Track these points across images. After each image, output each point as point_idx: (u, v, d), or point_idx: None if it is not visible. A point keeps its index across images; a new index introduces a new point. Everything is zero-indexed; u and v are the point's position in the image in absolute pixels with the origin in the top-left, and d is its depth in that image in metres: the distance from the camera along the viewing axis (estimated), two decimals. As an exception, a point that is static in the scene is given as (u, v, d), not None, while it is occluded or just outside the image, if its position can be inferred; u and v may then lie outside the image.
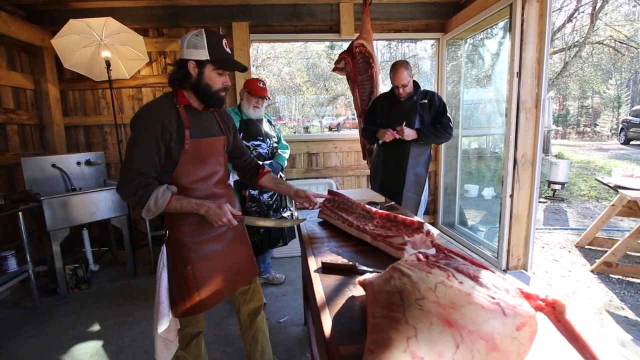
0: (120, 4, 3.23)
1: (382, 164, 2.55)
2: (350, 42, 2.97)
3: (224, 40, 1.27)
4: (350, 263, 1.04)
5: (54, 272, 2.74)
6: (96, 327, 2.30)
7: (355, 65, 2.96)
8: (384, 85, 3.48)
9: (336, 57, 3.14)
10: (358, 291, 0.91)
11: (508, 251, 2.73)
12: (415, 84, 2.48)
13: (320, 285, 0.94)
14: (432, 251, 0.92)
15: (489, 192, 4.25)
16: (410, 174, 2.42)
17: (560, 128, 18.16)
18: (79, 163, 3.08)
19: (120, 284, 2.95)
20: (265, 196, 2.45)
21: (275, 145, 2.53)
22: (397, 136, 2.30)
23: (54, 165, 2.88)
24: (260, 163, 1.61)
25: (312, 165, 3.80)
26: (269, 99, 2.45)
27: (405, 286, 0.66)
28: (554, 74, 11.21)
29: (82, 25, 2.85)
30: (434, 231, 1.16)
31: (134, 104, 3.57)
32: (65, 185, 2.93)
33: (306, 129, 8.20)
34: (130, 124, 1.23)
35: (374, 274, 0.85)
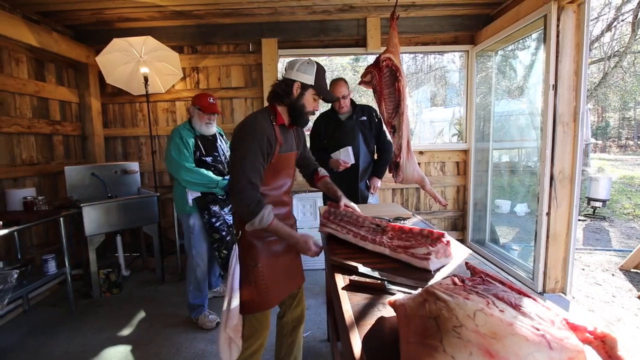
0: (159, 24, 3.44)
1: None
2: (376, 55, 2.98)
3: (326, 73, 1.45)
4: (379, 282, 1.01)
5: (88, 276, 2.87)
6: (126, 332, 2.37)
7: (382, 79, 2.95)
8: (410, 98, 3.45)
9: (361, 70, 3.16)
10: (388, 312, 0.88)
11: (545, 273, 2.57)
12: (352, 102, 2.54)
13: (348, 304, 0.92)
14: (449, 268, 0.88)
15: (522, 209, 4.06)
16: (363, 189, 2.52)
17: (599, 141, 17.14)
18: (116, 172, 3.25)
19: (149, 289, 3.04)
20: (217, 209, 2.38)
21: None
22: (349, 165, 2.37)
23: (93, 174, 3.05)
24: (317, 169, 1.74)
25: (336, 178, 3.80)
26: (221, 114, 2.46)
27: (442, 312, 0.63)
28: (592, 85, 10.68)
29: (124, 43, 3.05)
30: (454, 243, 1.20)
31: (167, 116, 3.75)
32: (103, 192, 3.10)
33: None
34: (236, 135, 1.35)
35: (405, 295, 0.82)
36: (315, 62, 1.41)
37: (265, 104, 3.57)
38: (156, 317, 2.56)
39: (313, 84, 1.38)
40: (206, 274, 2.43)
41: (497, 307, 0.64)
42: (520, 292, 0.72)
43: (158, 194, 3.18)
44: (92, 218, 2.74)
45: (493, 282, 0.78)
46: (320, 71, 1.40)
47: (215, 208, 2.35)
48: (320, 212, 1.92)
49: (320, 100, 1.47)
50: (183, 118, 3.72)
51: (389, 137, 2.47)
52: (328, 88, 1.48)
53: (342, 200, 1.60)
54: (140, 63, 3.19)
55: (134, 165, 3.42)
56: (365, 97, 7.56)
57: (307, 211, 3.71)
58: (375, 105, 2.56)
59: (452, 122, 4.53)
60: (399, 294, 0.93)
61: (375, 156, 2.64)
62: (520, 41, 3.45)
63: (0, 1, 2.65)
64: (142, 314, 2.60)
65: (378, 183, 2.55)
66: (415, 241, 1.22)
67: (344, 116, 2.50)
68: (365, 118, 2.48)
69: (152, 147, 3.37)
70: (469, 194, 3.72)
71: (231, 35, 3.55)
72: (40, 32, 2.91)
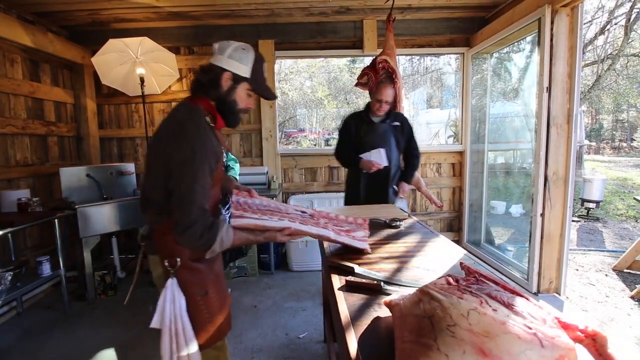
0: (155, 25, 3.43)
1: (364, 187, 2.49)
2: (373, 57, 2.99)
3: (265, 65, 1.20)
4: (375, 282, 1.02)
5: (83, 278, 2.85)
6: (121, 334, 2.35)
7: (378, 81, 2.97)
8: (406, 99, 3.47)
9: (358, 71, 3.17)
10: (383, 312, 0.89)
11: (539, 273, 2.59)
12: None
13: (344, 305, 0.92)
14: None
15: (517, 210, 4.09)
16: (391, 194, 2.48)
17: (593, 143, 17.32)
18: (111, 173, 3.23)
19: (145, 291, 3.02)
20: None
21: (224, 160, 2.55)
22: (381, 167, 2.30)
23: (88, 175, 3.03)
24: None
25: (333, 179, 3.80)
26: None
27: (436, 311, 0.64)
28: (585, 87, 10.80)
29: (120, 44, 3.03)
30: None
31: (164, 117, 3.73)
32: (98, 194, 3.08)
33: (327, 141, 8.26)
34: (176, 150, 1.04)
35: (400, 295, 0.83)
36: (253, 48, 1.17)
37: (263, 106, 3.62)
38: (151, 319, 2.54)
39: (249, 77, 1.14)
40: None
41: (490, 306, 0.65)
42: (513, 292, 0.73)
43: (154, 195, 3.16)
44: (87, 220, 2.72)
45: (487, 281, 0.79)
46: (259, 61, 1.16)
47: None
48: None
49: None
50: (179, 119, 3.71)
51: (418, 144, 2.51)
52: (266, 82, 1.20)
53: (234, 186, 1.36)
54: (136, 64, 3.18)
55: (130, 167, 3.40)
56: (362, 98, 7.60)
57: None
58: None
59: (448, 123, 4.57)
60: (395, 294, 0.94)
61: (402, 162, 2.59)
62: (515, 44, 3.49)
63: (-5, 1, 2.64)
64: (138, 317, 2.58)
65: (407, 187, 2.49)
66: (347, 225, 1.40)
67: (378, 119, 2.41)
68: (398, 124, 2.43)
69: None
70: (464, 195, 3.75)
71: (228, 37, 3.53)
72: (36, 32, 2.89)
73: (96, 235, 2.80)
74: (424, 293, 0.71)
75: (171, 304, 1.09)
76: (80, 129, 3.57)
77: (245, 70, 1.13)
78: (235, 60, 1.12)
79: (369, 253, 1.29)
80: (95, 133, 3.66)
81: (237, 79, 1.13)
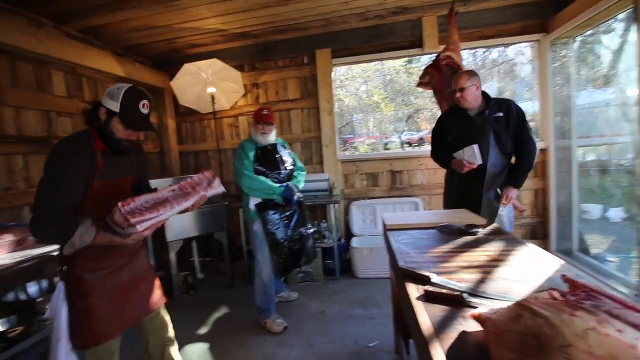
0: (222, 47, 3.73)
1: (456, 190, 2.33)
2: (432, 56, 2.86)
3: (144, 101, 1.34)
4: (457, 293, 0.94)
5: (170, 278, 3.16)
6: (202, 331, 2.56)
7: (442, 78, 2.83)
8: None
9: (415, 71, 3.06)
10: (469, 326, 0.82)
11: (652, 287, 2.18)
12: (485, 96, 2.20)
13: (426, 316, 0.87)
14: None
15: (616, 214, 3.50)
16: (485, 199, 2.17)
17: None
18: (189, 184, 3.56)
19: (221, 292, 3.25)
20: (277, 216, 2.48)
21: (291, 168, 2.59)
22: (474, 166, 2.08)
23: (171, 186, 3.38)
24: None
25: (395, 184, 3.69)
26: (272, 122, 2.52)
27: (543, 329, 0.56)
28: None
29: (193, 67, 3.36)
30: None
31: (232, 131, 4.02)
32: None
33: (385, 145, 8.10)
34: (50, 156, 1.26)
35: (490, 309, 0.76)
36: (129, 87, 1.32)
37: (322, 114, 3.69)
38: (228, 318, 2.72)
39: (118, 111, 1.29)
40: (272, 277, 2.51)
41: (612, 325, 0.55)
42: (638, 310, 0.62)
43: (227, 202, 3.41)
44: (173, 225, 3.03)
45: (600, 297, 0.68)
46: (130, 98, 1.30)
47: (274, 214, 2.47)
48: (382, 219, 1.88)
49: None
50: (245, 131, 3.97)
51: (533, 137, 2.12)
52: (138, 114, 1.33)
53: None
54: (207, 83, 3.48)
55: (204, 177, 3.71)
56: (422, 98, 7.29)
57: (367, 218, 3.66)
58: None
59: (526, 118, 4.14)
60: (482, 307, 0.86)
61: (513, 160, 2.24)
62: (604, 24, 3.04)
63: (95, 40, 3.11)
64: (215, 315, 2.78)
65: (513, 193, 2.14)
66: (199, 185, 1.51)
67: (474, 112, 2.17)
68: (501, 114, 2.10)
69: (220, 160, 3.64)
70: (549, 198, 3.34)
71: (286, 50, 3.71)
72: (126, 63, 3.35)
73: (180, 240, 3.11)
74: (524, 308, 0.63)
75: (55, 303, 1.31)
76: (163, 145, 4.02)
77: (115, 106, 1.30)
78: (109, 97, 1.31)
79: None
80: (175, 148, 4.09)
81: (110, 112, 1.31)
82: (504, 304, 0.85)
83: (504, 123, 2.10)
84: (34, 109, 2.66)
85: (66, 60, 2.75)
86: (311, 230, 2.69)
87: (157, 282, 1.63)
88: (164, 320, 1.61)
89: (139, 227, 1.25)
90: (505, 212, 2.20)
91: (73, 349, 1.31)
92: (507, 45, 3.64)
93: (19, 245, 2.13)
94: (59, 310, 1.30)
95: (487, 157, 2.08)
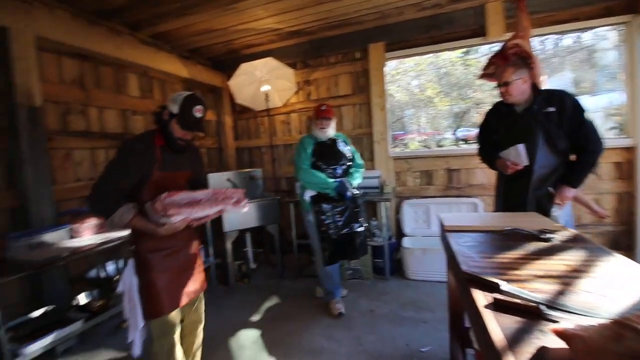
0: (276, 45, 3.82)
1: (503, 191, 2.16)
2: (496, 45, 2.64)
3: (198, 107, 1.51)
4: (533, 304, 0.86)
5: (226, 266, 3.36)
6: (255, 318, 2.67)
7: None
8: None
9: (474, 63, 2.85)
10: (548, 341, 0.74)
11: None
12: (535, 89, 1.98)
13: (497, 326, 0.81)
14: None
15: None
16: (530, 198, 1.98)
17: None
18: (245, 178, 3.73)
19: (272, 282, 3.37)
20: (330, 209, 2.57)
21: (349, 164, 2.64)
22: (520, 167, 1.92)
23: (228, 180, 3.57)
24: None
25: (452, 183, 3.50)
26: (331, 118, 2.58)
27: (654, 355, 0.49)
28: None
29: (249, 67, 3.49)
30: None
31: (284, 127, 4.12)
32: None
33: (438, 142, 7.72)
34: (118, 148, 1.50)
35: (579, 326, 0.68)
36: (189, 94, 1.52)
37: (374, 109, 3.62)
38: (279, 308, 2.82)
39: (177, 113, 1.48)
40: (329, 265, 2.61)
41: None
42: None
43: (278, 197, 3.52)
44: (230, 217, 3.21)
45: None
46: (187, 104, 1.48)
47: (327, 206, 2.56)
48: (440, 220, 1.79)
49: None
50: (296, 128, 4.04)
51: (596, 131, 1.86)
52: (192, 117, 1.51)
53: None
54: (262, 82, 3.60)
55: (258, 172, 3.86)
56: (480, 92, 6.81)
57: (419, 218, 3.53)
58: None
59: (608, 112, 3.62)
60: (564, 322, 0.77)
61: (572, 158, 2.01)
62: None
63: (163, 44, 3.38)
64: (267, 304, 2.89)
65: (569, 193, 1.92)
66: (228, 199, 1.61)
67: (521, 107, 2.00)
68: (553, 109, 1.89)
69: (273, 155, 3.76)
70: (636, 204, 2.92)
71: (339, 46, 3.69)
72: (190, 65, 3.59)
73: (235, 231, 3.28)
74: (626, 327, 0.55)
75: (128, 278, 1.53)
76: (220, 141, 4.26)
77: (175, 109, 1.49)
78: (172, 102, 1.51)
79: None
80: (232, 144, 4.31)
81: (171, 114, 1.51)
82: (592, 321, 0.76)
83: (555, 119, 1.87)
84: (113, 108, 2.98)
85: (140, 63, 3.03)
86: (363, 227, 2.69)
87: (202, 269, 1.83)
88: (200, 304, 1.82)
89: (173, 219, 1.43)
90: (560, 213, 1.95)
91: (143, 319, 1.52)
92: (584, 30, 3.23)
93: (100, 229, 2.41)
94: (131, 284, 1.53)
95: (534, 157, 1.90)
